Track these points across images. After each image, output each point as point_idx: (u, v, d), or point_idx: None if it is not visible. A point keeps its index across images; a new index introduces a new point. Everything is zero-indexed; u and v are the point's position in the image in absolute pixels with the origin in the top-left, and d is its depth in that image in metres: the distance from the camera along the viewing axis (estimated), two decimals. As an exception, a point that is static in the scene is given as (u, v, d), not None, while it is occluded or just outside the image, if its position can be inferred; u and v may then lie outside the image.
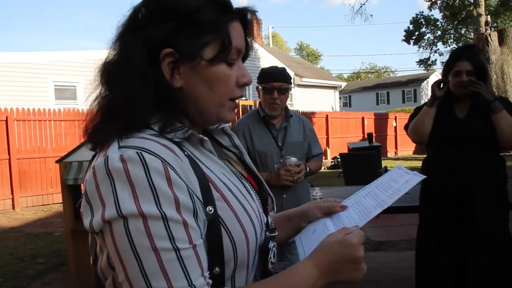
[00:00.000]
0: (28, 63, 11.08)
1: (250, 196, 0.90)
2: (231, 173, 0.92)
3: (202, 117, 0.87)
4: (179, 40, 0.80)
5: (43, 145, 9.32)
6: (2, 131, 8.73)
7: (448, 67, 2.69)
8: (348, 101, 39.63)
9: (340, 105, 25.00)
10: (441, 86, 2.66)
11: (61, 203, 8.19)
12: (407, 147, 19.82)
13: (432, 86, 2.69)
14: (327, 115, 16.60)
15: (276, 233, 0.96)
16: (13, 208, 8.77)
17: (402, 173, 1.04)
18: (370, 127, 17.92)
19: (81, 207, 0.78)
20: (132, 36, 0.82)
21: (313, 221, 1.05)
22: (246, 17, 0.89)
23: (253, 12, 0.90)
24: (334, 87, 21.70)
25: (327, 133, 16.33)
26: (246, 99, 16.34)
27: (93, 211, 0.74)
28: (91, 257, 0.89)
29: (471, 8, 17.98)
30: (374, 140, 9.81)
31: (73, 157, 3.84)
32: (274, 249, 0.93)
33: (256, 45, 17.97)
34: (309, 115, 14.96)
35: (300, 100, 18.93)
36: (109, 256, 0.76)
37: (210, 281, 0.75)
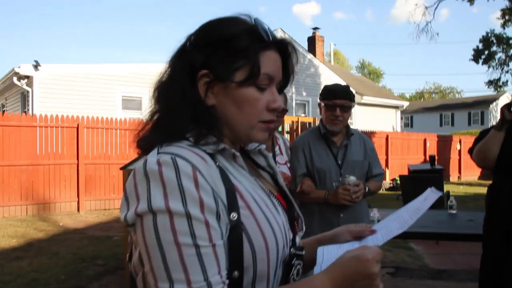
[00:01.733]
0: (99, 74, 11.78)
1: (276, 211, 0.94)
2: (260, 188, 0.96)
3: (233, 134, 0.95)
4: (214, 63, 0.90)
5: (108, 152, 9.78)
6: (73, 137, 9.27)
7: None
8: (409, 121, 38.45)
9: (401, 126, 24.29)
10: None
11: (121, 208, 8.56)
12: (471, 172, 18.85)
13: (502, 108, 2.54)
14: (387, 135, 16.19)
15: (303, 253, 0.98)
16: (78, 210, 9.25)
17: (428, 192, 1.09)
18: (432, 149, 17.24)
19: (120, 205, 0.87)
20: (180, 59, 0.94)
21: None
22: (286, 50, 0.97)
23: (292, 45, 0.98)
24: (396, 107, 21.15)
25: (386, 154, 15.90)
26: (306, 116, 16.30)
27: (129, 206, 0.83)
28: (127, 255, 0.96)
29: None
30: (436, 163, 9.40)
31: (136, 165, 4.00)
32: (298, 266, 0.96)
33: (317, 62, 18.09)
34: (368, 135, 14.64)
35: (360, 119, 18.62)
36: (140, 252, 0.83)
37: (227, 281, 0.80)
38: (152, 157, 0.83)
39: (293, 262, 0.95)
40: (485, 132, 2.70)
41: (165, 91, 0.94)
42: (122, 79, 12.12)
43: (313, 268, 1.10)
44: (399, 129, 21.27)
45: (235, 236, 0.84)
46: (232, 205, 0.84)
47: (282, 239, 0.91)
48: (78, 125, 9.28)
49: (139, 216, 0.80)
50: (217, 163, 0.87)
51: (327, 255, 1.00)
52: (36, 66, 10.93)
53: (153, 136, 0.93)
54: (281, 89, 1.01)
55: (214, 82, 0.91)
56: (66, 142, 9.21)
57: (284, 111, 2.58)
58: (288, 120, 9.42)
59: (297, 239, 1.03)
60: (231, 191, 0.85)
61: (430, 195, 1.04)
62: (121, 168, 4.22)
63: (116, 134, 9.90)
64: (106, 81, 11.87)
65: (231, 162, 0.93)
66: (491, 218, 2.60)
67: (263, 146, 1.09)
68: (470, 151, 2.75)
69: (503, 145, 2.52)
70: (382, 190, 14.25)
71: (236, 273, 0.83)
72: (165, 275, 0.77)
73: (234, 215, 0.84)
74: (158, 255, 0.77)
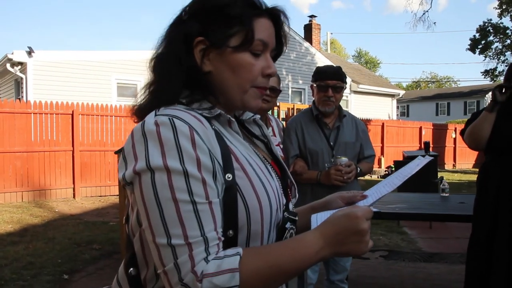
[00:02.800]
0: (94, 61, 11.72)
1: (270, 175, 0.97)
2: (254, 153, 0.99)
3: (228, 101, 0.97)
4: (210, 30, 0.92)
5: (103, 139, 9.78)
6: (68, 124, 9.26)
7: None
8: (406, 110, 38.50)
9: (397, 114, 24.34)
10: (503, 91, 2.53)
11: (117, 195, 8.59)
12: (466, 160, 18.96)
13: (494, 90, 2.55)
14: (383, 123, 16.23)
15: (297, 218, 1.02)
16: (74, 197, 9.27)
17: (420, 159, 1.14)
18: (427, 138, 17.29)
19: (118, 165, 0.88)
20: (175, 28, 0.96)
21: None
22: (278, 18, 0.99)
23: (283, 12, 0.99)
24: (392, 95, 21.16)
25: (382, 142, 15.95)
26: (302, 103, 16.30)
27: (127, 165, 0.85)
28: (124, 217, 0.99)
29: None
30: (431, 150, 9.43)
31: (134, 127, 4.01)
32: (292, 231, 0.99)
33: (313, 50, 18.02)
34: (364, 122, 14.61)
35: (356, 106, 18.62)
36: (138, 213, 0.85)
37: (222, 238, 0.83)
38: (150, 118, 0.85)
39: (286, 225, 0.97)
40: (476, 114, 2.71)
41: (161, 60, 0.96)
42: (118, 66, 12.06)
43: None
44: (395, 118, 21.31)
45: (230, 196, 0.86)
46: (227, 166, 0.87)
47: (276, 202, 0.94)
48: (73, 111, 9.25)
49: (137, 174, 0.82)
50: (213, 127, 0.90)
51: (321, 221, 1.02)
52: (30, 52, 10.84)
53: (149, 103, 0.94)
54: (274, 58, 1.03)
55: (210, 48, 0.93)
56: (61, 129, 9.18)
57: (277, 91, 2.59)
58: (284, 107, 9.43)
59: (290, 206, 1.06)
60: (226, 152, 0.88)
61: (421, 161, 1.07)
62: (115, 152, 4.23)
63: (111, 121, 9.88)
64: (101, 68, 11.81)
65: (226, 128, 0.96)
66: (481, 198, 2.63)
67: (258, 116, 1.11)
68: (462, 133, 2.78)
69: (494, 127, 2.54)
70: (378, 177, 14.32)
71: (230, 232, 0.86)
72: (163, 231, 0.79)
73: (229, 176, 0.86)
74: (156, 211, 0.79)
